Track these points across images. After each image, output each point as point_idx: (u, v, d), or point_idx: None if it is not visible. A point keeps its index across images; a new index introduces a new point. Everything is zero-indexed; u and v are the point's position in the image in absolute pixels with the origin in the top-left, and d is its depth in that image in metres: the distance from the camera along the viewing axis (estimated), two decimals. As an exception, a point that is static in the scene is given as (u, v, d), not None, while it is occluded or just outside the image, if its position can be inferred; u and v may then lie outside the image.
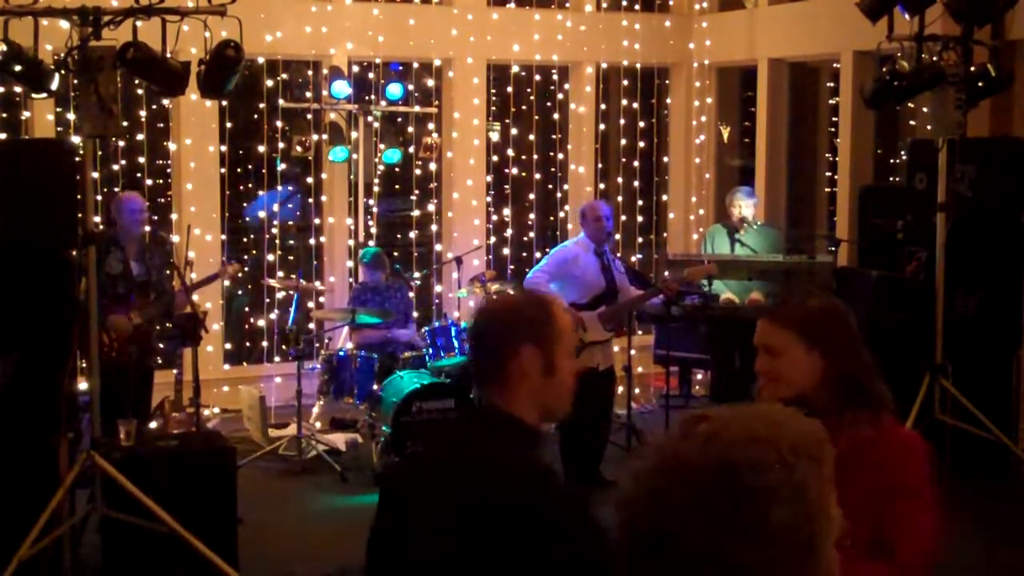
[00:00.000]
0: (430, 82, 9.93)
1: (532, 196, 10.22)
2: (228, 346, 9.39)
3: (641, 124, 10.38)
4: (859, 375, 2.75)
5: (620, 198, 10.36)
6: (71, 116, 8.11)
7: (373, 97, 9.33)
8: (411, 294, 8.88)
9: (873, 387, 2.76)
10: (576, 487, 2.31)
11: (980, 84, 6.80)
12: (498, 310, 2.47)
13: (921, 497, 2.69)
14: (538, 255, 9.90)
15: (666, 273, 8.40)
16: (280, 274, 9.16)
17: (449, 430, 2.55)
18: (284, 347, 9.25)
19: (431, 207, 10.03)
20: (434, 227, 10.01)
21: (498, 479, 2.25)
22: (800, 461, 1.29)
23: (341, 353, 8.12)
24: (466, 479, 2.27)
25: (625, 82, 10.29)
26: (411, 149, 9.59)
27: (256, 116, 9.48)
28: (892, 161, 9.88)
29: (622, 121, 10.32)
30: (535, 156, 10.16)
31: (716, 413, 1.36)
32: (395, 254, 9.78)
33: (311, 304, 9.07)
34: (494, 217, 10.11)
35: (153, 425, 7.30)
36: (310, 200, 9.66)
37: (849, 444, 2.62)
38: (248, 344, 9.87)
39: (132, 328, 6.81)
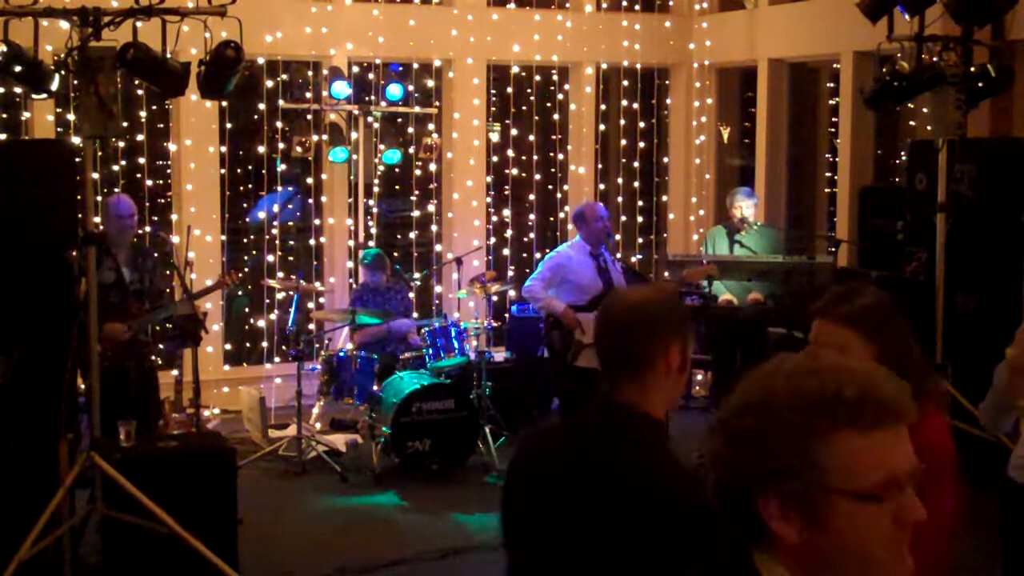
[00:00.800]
0: (430, 83, 9.93)
1: (532, 197, 10.23)
2: (228, 347, 9.39)
3: (641, 124, 10.38)
4: (909, 368, 2.73)
5: (620, 198, 10.37)
6: (71, 116, 8.11)
7: (373, 98, 9.33)
8: (411, 295, 8.89)
9: (920, 379, 2.75)
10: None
11: (980, 84, 6.80)
12: (640, 306, 2.39)
13: (947, 480, 2.71)
14: (538, 255, 9.90)
15: (666, 274, 8.41)
16: (280, 275, 9.16)
17: (584, 429, 2.44)
18: (284, 348, 9.25)
19: (431, 208, 10.03)
20: (434, 228, 10.01)
21: (661, 486, 2.24)
22: (787, 404, 1.45)
23: (341, 354, 8.11)
24: (624, 483, 2.24)
25: (625, 82, 10.29)
26: (411, 150, 9.59)
27: (256, 117, 9.48)
28: (892, 161, 9.88)
29: (622, 121, 10.33)
30: (535, 156, 10.16)
31: (809, 355, 1.54)
32: (395, 255, 9.78)
33: (311, 305, 9.08)
34: (494, 218, 10.11)
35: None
36: (310, 201, 9.66)
37: None
38: (248, 345, 9.87)
39: (128, 336, 6.66)
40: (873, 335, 2.76)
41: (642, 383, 2.34)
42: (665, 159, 10.77)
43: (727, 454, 1.49)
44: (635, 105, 10.34)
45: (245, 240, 10.23)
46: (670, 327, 2.35)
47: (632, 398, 2.34)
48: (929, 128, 7.20)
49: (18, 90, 7.00)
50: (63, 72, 5.50)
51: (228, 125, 9.07)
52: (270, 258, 9.27)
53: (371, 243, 9.31)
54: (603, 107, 10.53)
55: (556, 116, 10.18)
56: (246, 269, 10.03)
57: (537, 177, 10.22)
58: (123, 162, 8.84)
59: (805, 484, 1.43)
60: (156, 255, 7.21)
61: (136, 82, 7.28)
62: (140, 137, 8.87)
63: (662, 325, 2.35)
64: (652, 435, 2.35)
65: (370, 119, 9.30)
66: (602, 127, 10.44)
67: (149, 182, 8.86)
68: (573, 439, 2.42)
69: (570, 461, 2.34)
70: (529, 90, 10.08)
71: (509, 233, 10.29)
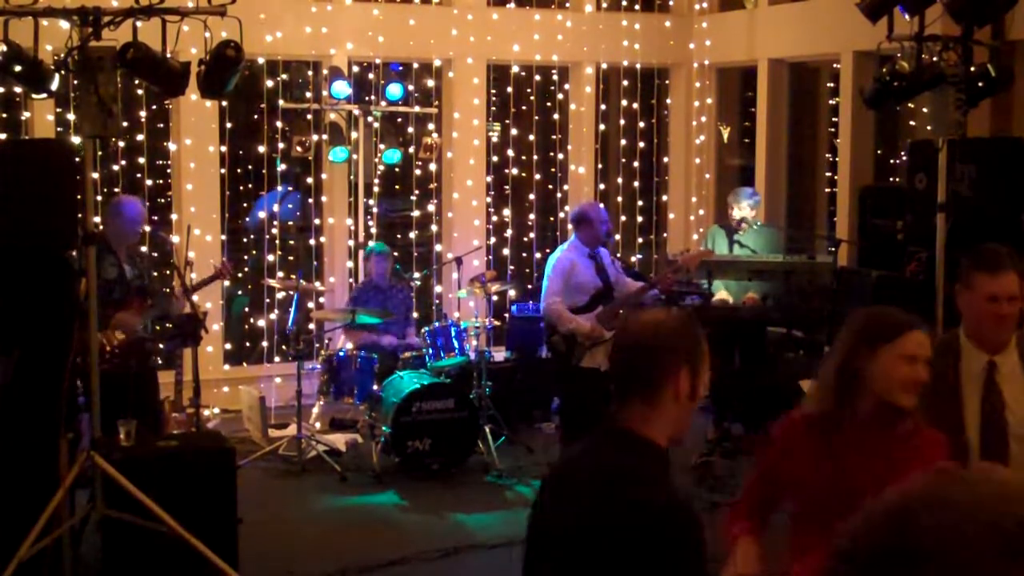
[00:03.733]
0: (430, 82, 9.93)
1: (532, 196, 10.22)
2: (228, 346, 9.39)
3: (641, 124, 10.38)
4: None
5: (620, 198, 10.37)
6: (71, 116, 8.11)
7: (373, 97, 9.33)
8: (411, 295, 8.89)
9: None
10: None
11: (980, 84, 6.79)
12: (655, 331, 2.35)
13: None
14: (538, 255, 9.90)
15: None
16: (280, 274, 9.16)
17: (592, 456, 2.42)
18: (284, 347, 9.25)
19: (431, 207, 10.03)
20: (434, 227, 10.01)
21: (660, 522, 2.22)
22: (981, 550, 1.03)
23: (341, 353, 8.11)
24: (621, 516, 2.23)
25: (625, 82, 10.29)
26: (411, 149, 9.59)
27: (256, 116, 9.48)
28: (892, 161, 9.88)
29: (622, 121, 10.33)
30: (535, 156, 10.16)
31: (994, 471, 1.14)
32: (395, 254, 9.78)
33: (311, 304, 9.07)
34: (494, 218, 10.11)
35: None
36: (310, 200, 9.66)
37: (899, 436, 3.06)
38: (248, 344, 9.87)
39: (139, 327, 6.73)
40: None
41: (649, 407, 2.32)
42: (665, 159, 10.77)
43: None
44: (635, 105, 10.33)
45: (245, 240, 10.24)
46: (682, 352, 2.32)
47: (637, 423, 2.32)
48: (929, 128, 7.18)
49: (18, 90, 7.01)
50: (63, 72, 5.50)
51: (228, 125, 9.07)
52: (270, 258, 9.27)
53: (371, 242, 9.31)
54: (603, 107, 10.53)
55: (556, 116, 10.18)
56: (246, 269, 10.04)
57: (537, 177, 10.22)
58: (123, 162, 8.83)
59: None
60: (154, 254, 7.26)
61: (136, 82, 7.28)
62: (140, 137, 8.87)
63: (674, 349, 2.32)
64: (654, 466, 2.32)
65: (370, 119, 9.30)
66: (602, 127, 10.44)
67: (149, 182, 8.86)
68: (582, 466, 2.41)
69: (577, 489, 2.36)
70: (529, 90, 10.08)
71: (509, 233, 10.28)
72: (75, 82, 5.50)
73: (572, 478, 2.39)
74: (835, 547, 1.12)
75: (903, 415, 3.03)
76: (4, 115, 8.72)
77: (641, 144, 10.42)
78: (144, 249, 7.58)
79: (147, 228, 8.53)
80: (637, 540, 2.18)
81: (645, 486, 2.26)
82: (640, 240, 10.55)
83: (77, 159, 5.56)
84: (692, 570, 2.20)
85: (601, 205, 8.13)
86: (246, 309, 10.20)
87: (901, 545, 1.06)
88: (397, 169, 9.76)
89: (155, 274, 7.33)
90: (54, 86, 5.59)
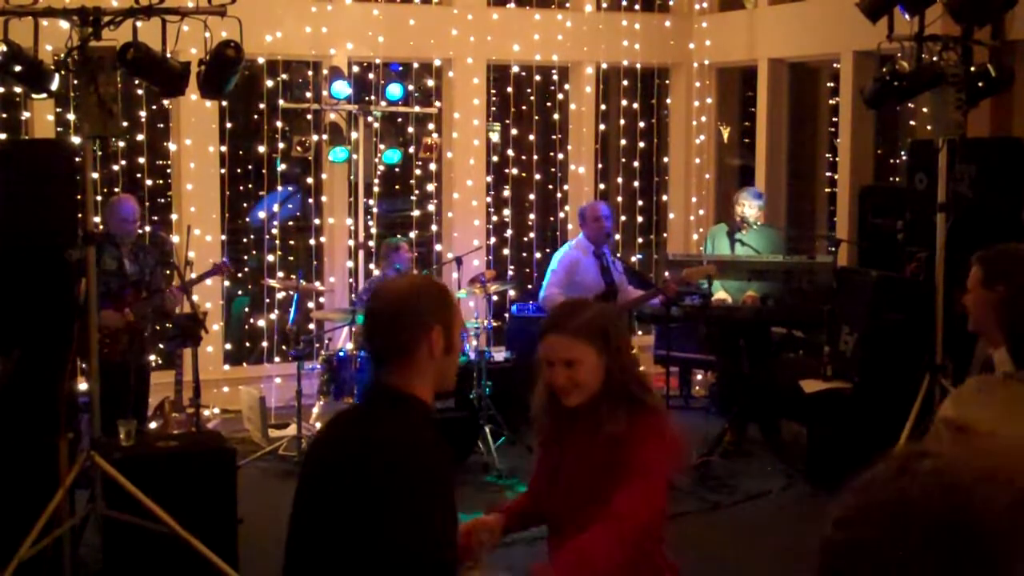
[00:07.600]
0: (430, 82, 9.93)
1: (532, 196, 10.22)
2: (228, 347, 9.38)
3: (641, 124, 10.38)
4: (631, 372, 2.93)
5: (620, 198, 10.36)
6: (71, 116, 8.10)
7: (373, 97, 9.33)
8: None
9: (638, 385, 2.94)
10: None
11: (980, 84, 6.79)
12: (404, 292, 2.52)
13: (651, 476, 2.84)
14: (538, 255, 9.90)
15: (666, 274, 8.40)
16: (280, 274, 9.16)
17: (350, 413, 2.75)
18: (284, 348, 9.25)
19: (431, 207, 10.03)
20: (434, 227, 10.01)
21: (383, 456, 2.37)
22: (987, 530, 1.03)
23: (341, 353, 8.11)
24: (354, 458, 2.40)
25: (625, 82, 10.29)
26: (411, 149, 9.59)
27: (256, 116, 9.48)
28: (892, 161, 9.88)
29: (622, 121, 10.32)
30: (535, 156, 10.16)
31: (942, 449, 1.12)
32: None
33: (311, 304, 9.07)
34: (494, 217, 10.10)
35: (153, 425, 7.30)
36: (310, 200, 9.66)
37: (606, 438, 2.85)
38: (248, 344, 9.87)
39: (124, 323, 6.80)
40: (603, 344, 2.89)
41: (408, 367, 2.47)
42: (665, 159, 10.77)
43: None
44: (635, 105, 10.33)
45: (245, 239, 10.23)
46: (431, 312, 2.47)
47: (399, 381, 2.47)
48: (929, 128, 7.19)
49: (18, 90, 7.00)
50: (63, 72, 5.50)
51: (228, 125, 9.07)
52: (270, 258, 9.26)
53: (371, 243, 9.33)
54: (603, 107, 10.53)
55: (556, 116, 10.18)
56: (246, 269, 10.03)
57: (537, 177, 10.22)
58: (123, 162, 8.83)
59: None
60: (158, 254, 7.34)
61: (136, 82, 7.28)
62: (140, 137, 8.87)
63: (423, 311, 2.46)
64: (415, 415, 2.47)
65: (370, 119, 9.30)
66: (602, 127, 10.44)
67: (149, 182, 8.85)
68: (348, 423, 2.60)
69: (339, 443, 2.53)
70: (529, 90, 10.08)
71: (509, 233, 10.28)
72: (75, 82, 5.49)
73: (334, 436, 2.58)
74: (838, 515, 1.10)
75: (595, 416, 2.92)
76: (4, 115, 8.72)
77: (641, 144, 10.42)
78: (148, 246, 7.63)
79: (147, 228, 8.57)
80: (371, 473, 2.34)
81: (392, 427, 2.42)
82: (640, 240, 10.55)
83: (77, 159, 5.56)
84: (427, 506, 2.32)
85: (602, 203, 8.14)
86: (246, 309, 10.19)
87: (956, 519, 1.03)
88: (397, 169, 9.76)
89: (166, 272, 7.36)
90: (54, 86, 5.59)
